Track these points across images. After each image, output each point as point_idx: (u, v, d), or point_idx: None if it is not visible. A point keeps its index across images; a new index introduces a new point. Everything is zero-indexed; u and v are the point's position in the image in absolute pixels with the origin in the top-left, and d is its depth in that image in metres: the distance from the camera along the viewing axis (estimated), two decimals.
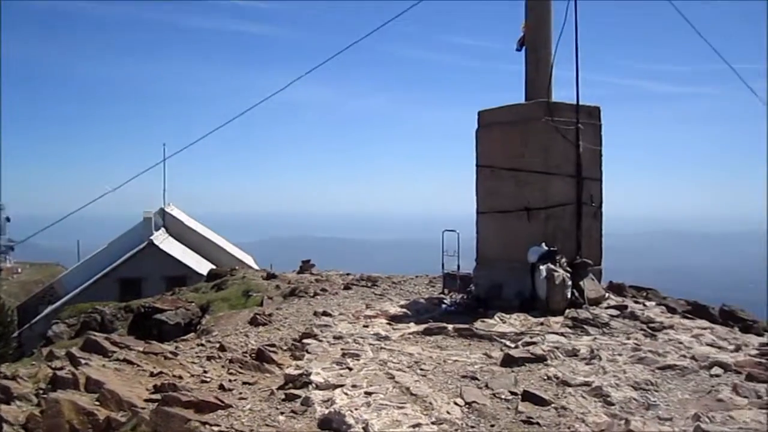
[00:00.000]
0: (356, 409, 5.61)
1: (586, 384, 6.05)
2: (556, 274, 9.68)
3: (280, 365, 7.80)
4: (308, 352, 7.81)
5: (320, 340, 8.39)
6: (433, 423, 5.27)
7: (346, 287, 13.33)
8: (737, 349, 7.22)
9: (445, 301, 11.29)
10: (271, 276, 16.17)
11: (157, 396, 6.49)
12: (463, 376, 6.57)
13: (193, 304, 15.43)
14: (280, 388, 6.91)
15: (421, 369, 6.88)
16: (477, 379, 6.45)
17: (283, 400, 6.49)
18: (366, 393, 6.06)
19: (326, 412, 5.72)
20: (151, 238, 33.26)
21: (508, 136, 10.77)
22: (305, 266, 17.79)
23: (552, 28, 11.11)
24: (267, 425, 5.84)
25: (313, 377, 6.61)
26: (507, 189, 10.73)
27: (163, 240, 34.32)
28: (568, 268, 9.97)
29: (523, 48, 11.44)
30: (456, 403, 5.73)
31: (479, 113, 11.36)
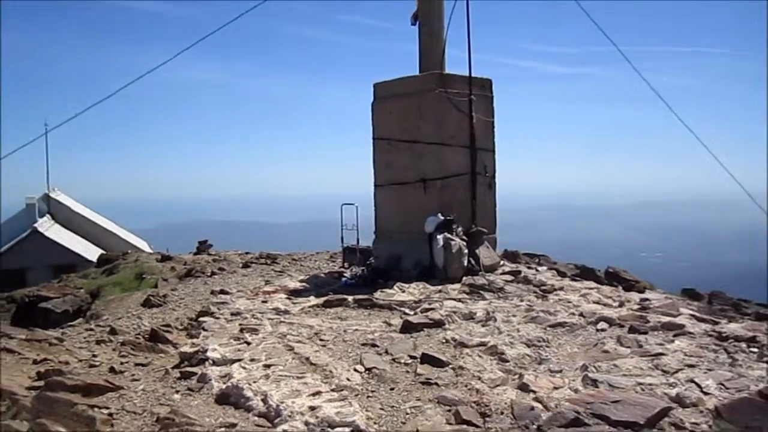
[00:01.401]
0: (254, 382, 5.49)
1: (482, 344, 6.20)
2: (452, 243, 9.87)
3: (176, 345, 7.51)
4: (204, 330, 7.57)
5: (217, 318, 8.15)
6: (333, 390, 5.23)
7: (245, 265, 13.06)
8: (621, 305, 7.64)
9: (345, 274, 11.28)
10: (166, 258, 15.57)
11: (41, 383, 6.10)
12: (363, 344, 6.57)
13: (82, 290, 14.62)
14: (175, 367, 6.66)
15: (321, 340, 6.83)
16: (377, 346, 6.47)
17: (179, 378, 6.26)
18: (265, 366, 5.94)
19: (224, 387, 5.57)
20: (35, 225, 31.27)
21: (404, 108, 10.83)
22: (202, 247, 17.27)
23: (444, 1, 11.22)
24: (161, 404, 5.61)
25: (209, 354, 6.41)
26: (403, 161, 10.81)
27: (48, 227, 32.35)
28: (465, 237, 10.19)
29: (417, 22, 11.50)
30: (356, 370, 5.72)
31: (375, 86, 11.35)
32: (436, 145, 10.47)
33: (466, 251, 10.01)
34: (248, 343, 6.72)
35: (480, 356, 5.86)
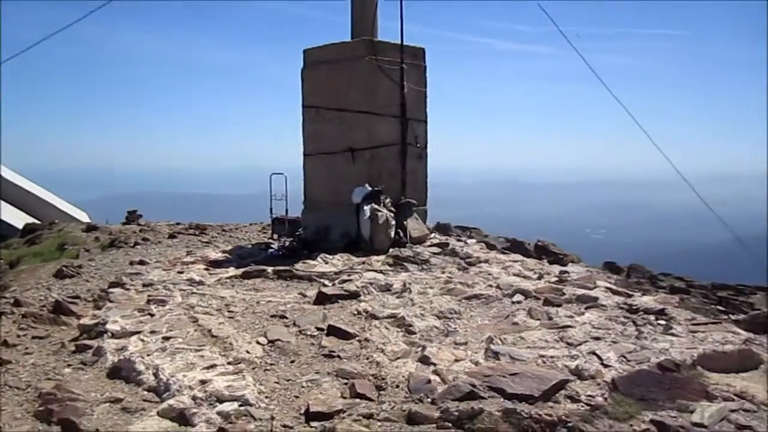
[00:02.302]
0: (149, 355, 5.23)
1: (393, 316, 6.05)
2: (379, 214, 9.67)
3: (80, 317, 7.15)
4: (110, 302, 7.22)
5: (127, 289, 7.80)
6: (229, 363, 5.00)
7: (171, 236, 12.62)
8: (540, 277, 7.59)
9: (272, 246, 10.99)
10: (92, 228, 14.93)
11: None
12: (272, 316, 6.35)
13: (1, 261, 13.96)
14: (72, 340, 6.33)
15: (230, 311, 6.58)
16: (285, 317, 6.26)
17: (73, 352, 5.94)
18: (164, 338, 5.67)
19: (116, 360, 5.29)
20: None
21: (333, 75, 10.50)
22: (131, 217, 16.65)
23: None
24: (48, 379, 5.29)
25: (109, 326, 6.10)
26: (332, 130, 10.52)
27: None
28: (393, 209, 10.00)
29: None
30: (258, 342, 5.50)
31: (304, 51, 10.98)
32: (365, 114, 10.21)
33: (393, 222, 9.83)
34: (152, 315, 6.43)
35: (387, 328, 5.70)
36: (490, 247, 10.79)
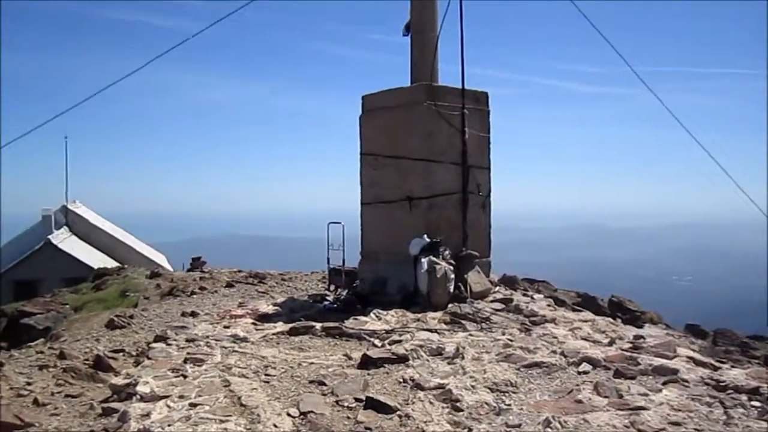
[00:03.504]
0: (170, 425, 4.79)
1: (440, 387, 5.42)
2: (437, 267, 9.11)
3: (118, 373, 6.89)
4: (148, 358, 6.90)
5: (169, 344, 7.48)
6: None
7: (229, 285, 12.43)
8: (611, 342, 6.79)
9: (327, 298, 10.57)
10: (155, 275, 15.04)
11: None
12: (311, 381, 5.84)
13: (67, 306, 14.15)
14: (103, 401, 6.02)
15: (267, 374, 6.11)
16: (324, 384, 5.73)
17: (100, 415, 5.62)
18: (191, 404, 5.24)
19: (139, 428, 4.89)
20: (49, 237, 31.22)
21: (391, 121, 10.14)
22: (195, 264, 16.73)
23: (438, 10, 10.54)
24: None
25: (139, 388, 5.73)
26: (389, 178, 10.11)
27: (63, 239, 32.24)
28: (452, 261, 9.42)
29: (410, 32, 10.85)
30: (289, 414, 4.98)
31: (363, 98, 10.70)
32: (424, 161, 9.75)
33: (452, 276, 9.23)
34: (185, 376, 6.03)
35: (432, 402, 5.08)
36: (559, 303, 10.00)
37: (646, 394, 5.02)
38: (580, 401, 4.96)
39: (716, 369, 5.88)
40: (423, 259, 9.24)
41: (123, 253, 34.17)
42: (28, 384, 6.70)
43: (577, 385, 5.48)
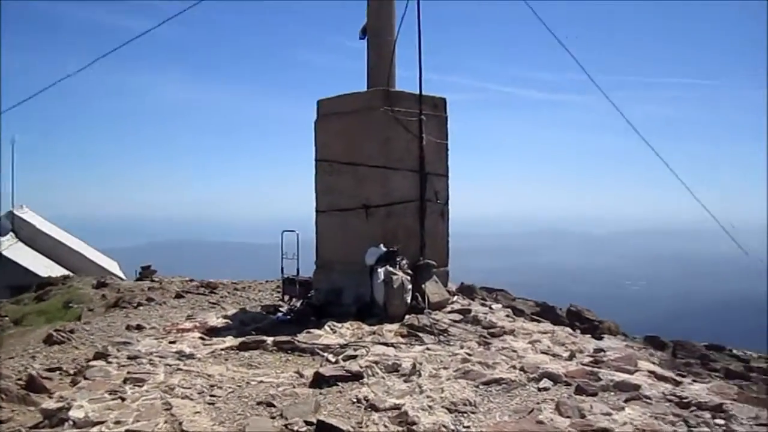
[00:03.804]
0: None
1: (396, 407, 5.14)
2: (394, 277, 8.84)
3: (52, 395, 6.42)
4: (85, 378, 6.45)
5: (110, 362, 7.02)
6: None
7: (178, 296, 11.94)
8: (571, 356, 6.61)
9: (280, 309, 10.21)
10: (101, 284, 14.41)
11: None
12: (259, 403, 5.49)
13: (6, 318, 13.43)
14: (33, 426, 5.58)
15: (213, 395, 5.74)
16: (273, 405, 5.39)
17: None
18: (127, 431, 4.85)
19: None
20: None
21: (347, 127, 9.84)
22: (145, 273, 16.13)
23: (395, 14, 10.30)
24: None
25: (72, 412, 5.31)
26: (345, 185, 9.80)
27: (9, 246, 30.91)
28: (409, 271, 9.17)
29: (366, 36, 10.59)
30: None
31: (318, 102, 10.37)
32: (381, 168, 9.48)
33: (409, 287, 8.97)
34: (123, 399, 5.61)
35: (386, 426, 4.79)
36: (518, 312, 9.85)
37: (609, 414, 4.82)
38: (541, 422, 4.73)
39: (678, 384, 5.75)
40: (379, 269, 8.96)
41: (73, 260, 32.98)
42: None
43: (538, 403, 5.27)
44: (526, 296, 12.20)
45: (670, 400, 5.24)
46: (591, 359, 6.47)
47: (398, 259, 9.19)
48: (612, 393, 5.48)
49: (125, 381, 6.15)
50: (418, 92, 9.77)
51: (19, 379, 7.10)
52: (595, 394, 5.42)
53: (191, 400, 5.62)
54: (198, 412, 5.23)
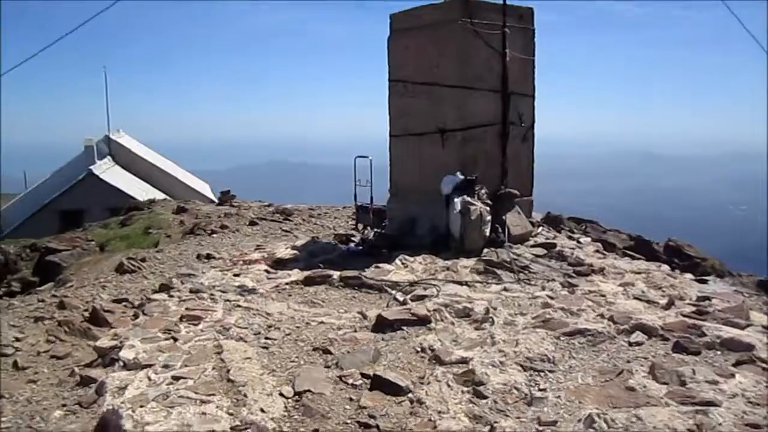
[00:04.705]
0: (142, 407, 4.09)
1: (463, 361, 4.58)
2: (472, 207, 8.14)
3: (116, 327, 6.27)
4: (144, 314, 6.24)
5: (171, 296, 6.82)
6: (232, 429, 3.78)
7: (252, 223, 11.73)
8: (670, 304, 5.78)
9: (353, 238, 9.76)
10: (181, 210, 14.46)
11: None
12: (315, 348, 5.06)
13: (92, 242, 13.75)
14: (86, 365, 5.41)
15: (268, 338, 5.36)
16: (330, 353, 4.95)
17: (77, 384, 5.00)
18: (174, 377, 4.53)
19: (108, 408, 4.22)
20: (91, 167, 31.13)
21: (422, 43, 8.97)
22: (224, 197, 16.11)
23: None
24: (30, 427, 4.34)
25: (123, 353, 5.07)
26: (420, 107, 9.03)
27: (106, 169, 32.15)
28: (489, 201, 8.43)
29: None
30: (282, 394, 4.23)
31: (391, 16, 9.50)
32: (458, 88, 8.63)
33: (488, 218, 8.26)
34: (175, 339, 5.33)
35: (449, 385, 4.24)
36: (609, 247, 9.01)
37: (716, 382, 4.06)
38: (632, 388, 4.04)
39: None
40: (456, 199, 8.27)
41: (166, 183, 34.06)
42: (17, 340, 6.16)
43: (629, 361, 4.56)
44: (617, 226, 11.26)
45: None
46: (693, 308, 5.62)
47: (477, 188, 8.45)
48: (719, 353, 4.69)
49: (182, 318, 5.88)
50: (501, 1, 8.73)
51: (85, 310, 7.03)
52: (697, 353, 4.66)
53: (245, 342, 5.28)
54: (249, 358, 4.85)
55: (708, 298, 5.94)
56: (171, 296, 6.79)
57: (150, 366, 4.79)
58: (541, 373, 4.36)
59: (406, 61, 9.18)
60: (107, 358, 5.26)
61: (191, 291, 6.90)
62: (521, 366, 4.47)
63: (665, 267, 8.01)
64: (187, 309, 6.18)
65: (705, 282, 6.95)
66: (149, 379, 4.58)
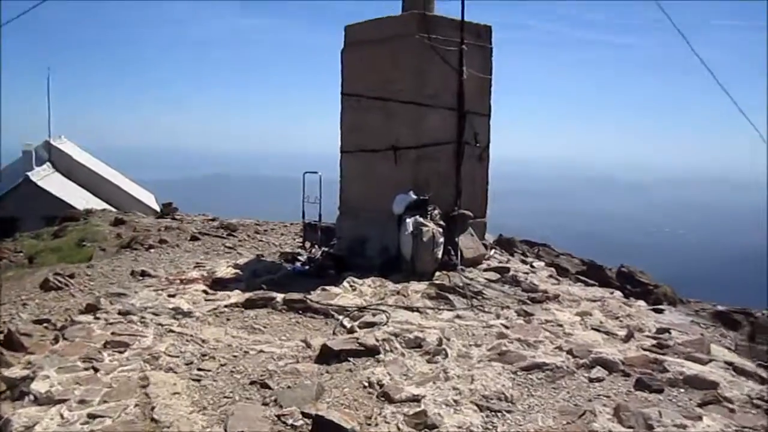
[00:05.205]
0: None
1: (414, 399, 4.20)
2: (424, 229, 7.81)
3: (32, 353, 5.67)
4: (64, 338, 5.67)
5: (97, 318, 6.24)
6: None
7: (194, 238, 11.14)
8: (629, 336, 5.54)
9: (300, 257, 9.32)
10: (119, 222, 13.73)
11: None
12: (253, 382, 4.61)
13: (21, 254, 12.90)
14: None
15: (201, 369, 4.88)
16: (269, 387, 4.50)
17: None
18: (89, 416, 4.03)
19: None
20: (28, 173, 29.78)
21: (377, 57, 8.65)
22: (166, 209, 15.45)
23: None
24: None
25: (35, 385, 4.52)
26: (373, 123, 8.70)
27: (44, 176, 30.79)
28: (441, 222, 8.12)
29: None
30: None
31: (346, 29, 9.17)
32: (413, 105, 8.33)
33: (441, 240, 7.95)
34: (96, 370, 4.79)
35: (400, 427, 3.86)
36: (562, 272, 8.81)
37: (683, 426, 3.79)
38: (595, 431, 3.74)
39: (764, 381, 4.67)
40: (408, 219, 7.94)
41: (109, 193, 32.85)
42: None
43: (590, 400, 4.27)
44: (560, 245, 11.15)
45: (758, 406, 4.19)
46: (653, 341, 5.39)
47: (429, 209, 8.15)
48: (682, 390, 4.44)
49: (106, 345, 5.33)
50: (459, 18, 8.50)
51: (0, 332, 6.38)
52: (660, 391, 4.40)
53: (175, 373, 4.79)
54: (177, 393, 4.37)
55: (668, 331, 5.73)
56: (97, 318, 6.22)
57: (64, 401, 4.26)
58: (499, 414, 4.02)
59: (361, 74, 8.84)
60: (16, 391, 4.68)
61: (120, 313, 6.34)
62: (477, 405, 4.12)
63: (618, 293, 7.85)
64: (113, 333, 5.64)
65: (661, 312, 6.77)
66: (62, 417, 4.07)
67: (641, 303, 7.59)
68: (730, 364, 4.96)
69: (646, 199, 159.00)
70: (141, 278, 8.24)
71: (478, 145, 8.87)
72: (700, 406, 4.16)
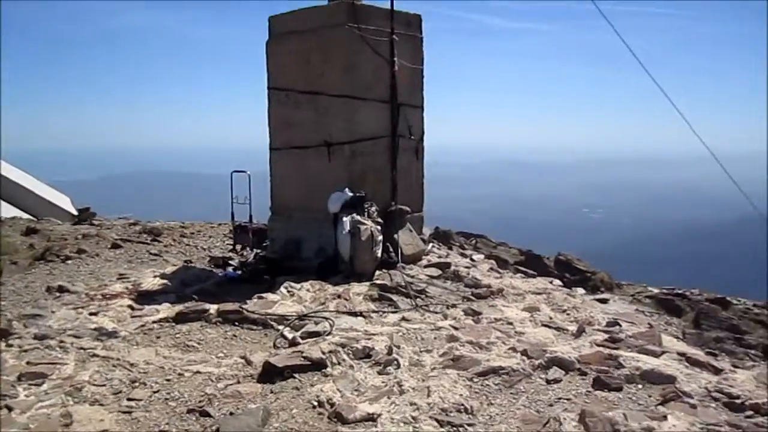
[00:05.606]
0: None
1: (370, 419, 3.92)
2: (362, 227, 7.52)
3: None
4: None
5: (10, 345, 5.63)
6: None
7: (115, 245, 10.43)
8: (580, 331, 5.44)
9: (231, 261, 8.85)
10: (31, 231, 12.74)
11: None
12: (190, 410, 4.20)
13: None
14: None
15: (132, 399, 4.43)
16: (209, 415, 4.12)
17: None
18: None
19: None
20: None
21: (305, 48, 8.25)
22: (84, 214, 14.56)
23: None
24: None
25: None
26: (304, 118, 8.32)
27: None
28: (379, 219, 7.86)
29: None
30: None
31: (270, 19, 8.72)
32: (345, 98, 8.00)
33: (380, 238, 7.68)
34: (9, 409, 4.27)
35: None
36: (502, 263, 8.71)
37: (650, 429, 3.65)
38: None
39: (718, 371, 4.63)
40: (345, 218, 7.63)
41: (16, 196, 30.90)
42: None
43: (551, 404, 4.11)
44: (485, 231, 11.14)
45: (716, 399, 4.12)
46: (605, 335, 5.30)
47: (366, 206, 7.87)
48: (640, 386, 4.35)
49: (20, 377, 4.78)
50: (388, 7, 8.22)
51: None
52: (619, 389, 4.29)
53: (102, 406, 4.32)
54: (106, 430, 3.92)
55: (617, 323, 5.67)
56: (9, 345, 5.60)
57: None
58: (460, 428, 3.79)
59: (288, 68, 8.43)
60: None
61: (36, 337, 5.75)
62: (437, 420, 3.87)
63: (558, 282, 7.84)
64: (28, 363, 5.08)
65: (605, 302, 6.73)
66: None
67: (581, 290, 7.60)
68: (682, 354, 4.92)
69: (576, 181, 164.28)
70: (58, 295, 7.56)
71: (412, 137, 8.65)
72: (661, 404, 4.05)
